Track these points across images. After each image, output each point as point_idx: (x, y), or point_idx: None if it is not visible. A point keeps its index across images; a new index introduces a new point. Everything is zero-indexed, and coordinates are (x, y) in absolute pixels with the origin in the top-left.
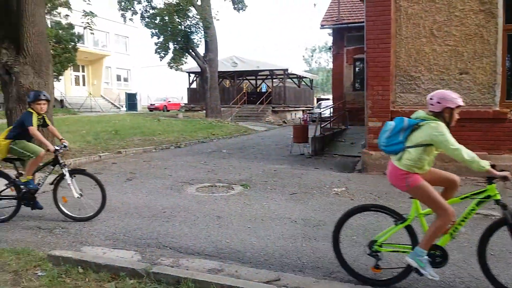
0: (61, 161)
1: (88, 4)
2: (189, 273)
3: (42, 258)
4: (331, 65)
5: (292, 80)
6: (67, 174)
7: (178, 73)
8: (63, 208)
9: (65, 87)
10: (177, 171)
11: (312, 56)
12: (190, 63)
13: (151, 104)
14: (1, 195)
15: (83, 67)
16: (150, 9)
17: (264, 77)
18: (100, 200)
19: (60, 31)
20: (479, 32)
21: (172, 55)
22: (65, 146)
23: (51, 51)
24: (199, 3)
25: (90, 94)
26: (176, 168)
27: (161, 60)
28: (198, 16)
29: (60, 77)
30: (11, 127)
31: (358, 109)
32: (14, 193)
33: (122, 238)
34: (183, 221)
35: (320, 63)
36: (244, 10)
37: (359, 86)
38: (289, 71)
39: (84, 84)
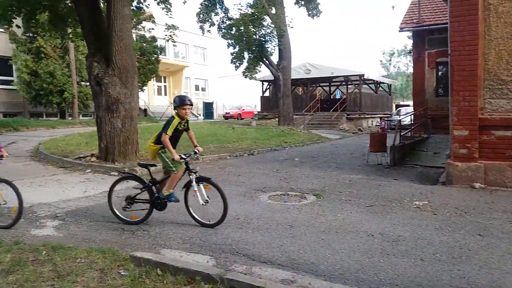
0: (191, 168)
1: (171, 17)
2: (262, 282)
3: (125, 258)
4: (411, 70)
5: (369, 86)
6: (194, 181)
7: (252, 82)
8: (193, 213)
9: (149, 97)
10: (250, 178)
11: (390, 60)
12: (263, 72)
13: (226, 113)
14: (136, 199)
15: (164, 77)
16: (226, 20)
17: (339, 83)
18: (222, 209)
19: (144, 44)
20: None
21: (247, 64)
22: (195, 153)
23: (136, 63)
24: (273, 11)
25: (171, 103)
26: (249, 175)
27: (236, 70)
28: (272, 25)
29: (144, 88)
30: (157, 132)
31: (442, 116)
32: (147, 197)
33: (198, 242)
34: (256, 228)
35: (399, 67)
36: (319, 16)
37: (442, 92)
38: (365, 77)
39: (165, 94)
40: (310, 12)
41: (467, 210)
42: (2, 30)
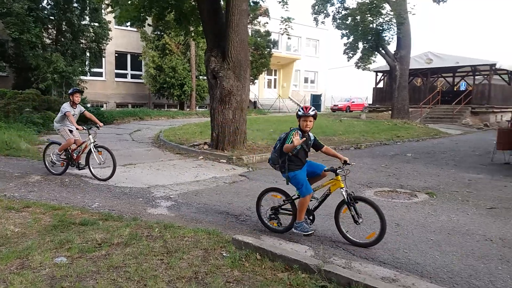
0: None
1: (287, 10)
2: (361, 277)
3: (227, 240)
4: None
5: (501, 77)
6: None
7: (363, 74)
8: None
9: (259, 89)
10: (356, 172)
11: None
12: (378, 62)
13: (334, 105)
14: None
15: (275, 71)
16: (342, 10)
17: (465, 74)
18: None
19: (258, 39)
20: None
21: (361, 54)
22: None
23: (250, 57)
24: None
25: (280, 96)
26: (354, 169)
27: (348, 61)
28: (391, 13)
29: (255, 81)
30: None
31: None
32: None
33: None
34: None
35: None
36: (445, 1)
37: None
38: (497, 66)
39: (274, 87)
40: None
41: None
42: (135, 29)
